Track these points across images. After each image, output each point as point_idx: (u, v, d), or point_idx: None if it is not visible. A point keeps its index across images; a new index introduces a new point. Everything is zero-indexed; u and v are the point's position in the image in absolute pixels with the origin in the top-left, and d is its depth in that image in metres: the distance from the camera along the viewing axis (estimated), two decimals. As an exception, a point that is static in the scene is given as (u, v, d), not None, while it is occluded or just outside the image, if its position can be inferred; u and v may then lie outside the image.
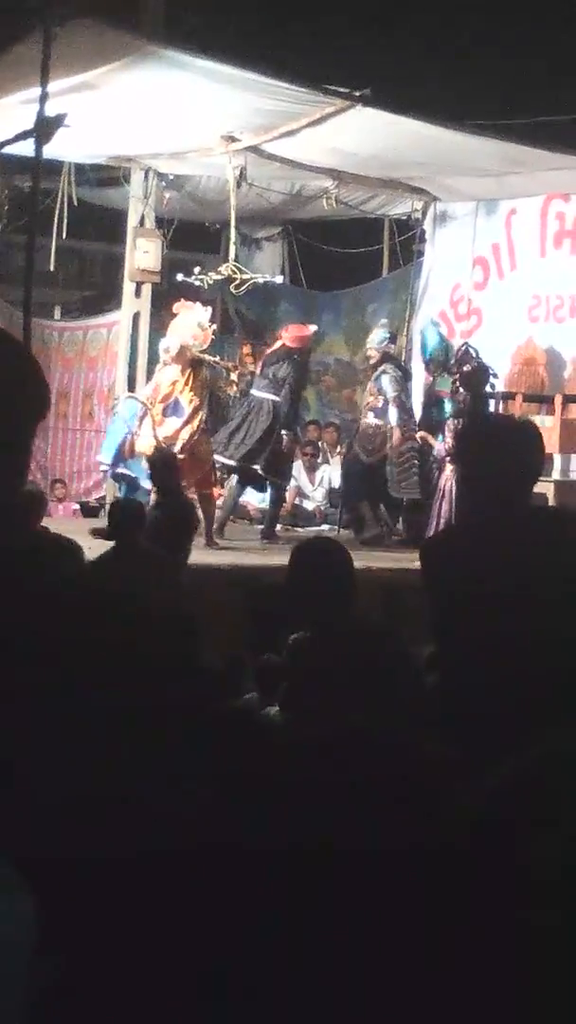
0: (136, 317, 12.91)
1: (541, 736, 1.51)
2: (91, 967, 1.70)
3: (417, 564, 10.23)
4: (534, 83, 12.26)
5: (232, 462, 10.67)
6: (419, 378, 12.36)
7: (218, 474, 11.13)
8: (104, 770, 1.80)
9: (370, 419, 11.33)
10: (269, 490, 11.12)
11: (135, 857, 1.79)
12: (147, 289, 12.85)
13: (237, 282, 11.46)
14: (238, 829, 1.81)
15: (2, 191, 13.82)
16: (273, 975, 1.68)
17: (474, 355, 10.95)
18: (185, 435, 9.98)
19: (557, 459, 11.31)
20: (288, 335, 11.12)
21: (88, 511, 13.04)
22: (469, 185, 12.26)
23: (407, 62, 12.82)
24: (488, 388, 10.35)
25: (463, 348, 11.13)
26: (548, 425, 11.46)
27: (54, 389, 12.88)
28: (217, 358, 10.75)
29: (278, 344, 11.08)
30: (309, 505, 13.06)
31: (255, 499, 11.89)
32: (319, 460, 13.43)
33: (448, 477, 10.03)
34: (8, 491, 1.85)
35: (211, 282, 11.47)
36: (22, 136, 8.59)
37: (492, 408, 10.80)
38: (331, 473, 13.04)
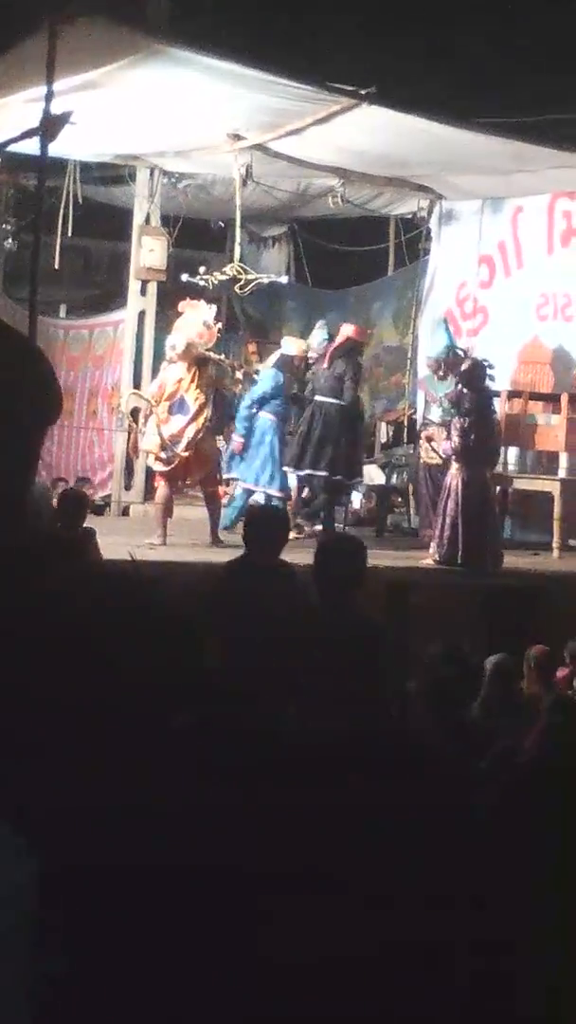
0: (142, 315, 12.91)
1: None
2: (96, 965, 1.69)
3: (425, 562, 10.21)
4: (540, 80, 12.23)
5: (321, 472, 10.90)
6: (423, 374, 12.36)
7: (221, 474, 11.13)
8: (104, 776, 1.79)
9: None
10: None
11: (138, 859, 1.78)
12: (152, 287, 12.86)
13: (242, 282, 11.45)
14: (240, 832, 1.80)
15: (8, 189, 13.84)
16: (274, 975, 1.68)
17: (463, 355, 11.00)
18: (190, 433, 9.97)
19: (563, 458, 11.29)
20: (349, 330, 11.39)
21: (93, 510, 13.01)
22: (475, 183, 12.23)
23: (413, 60, 12.80)
24: (488, 381, 10.34)
25: (452, 353, 11.23)
26: (555, 424, 11.45)
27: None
28: (222, 356, 10.73)
29: (341, 339, 11.25)
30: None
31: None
32: None
33: (454, 476, 10.01)
34: (19, 489, 1.84)
35: (216, 283, 11.47)
36: (28, 134, 8.58)
37: (496, 404, 10.80)
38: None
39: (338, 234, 14.79)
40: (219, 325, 10.86)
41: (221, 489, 10.92)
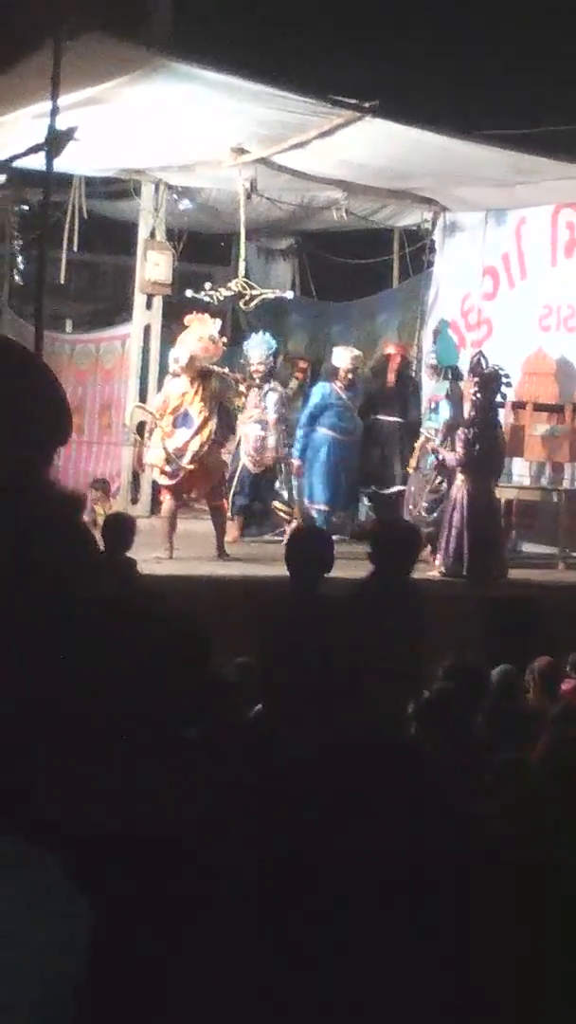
0: (147, 329, 12.94)
1: None
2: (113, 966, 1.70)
3: (431, 574, 10.22)
4: (543, 93, 12.27)
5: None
6: (428, 383, 12.37)
7: (226, 487, 11.13)
8: (109, 775, 1.80)
9: (256, 430, 11.46)
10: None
11: (142, 861, 1.79)
12: (158, 301, 12.88)
13: (247, 298, 11.47)
14: (242, 836, 1.81)
15: (14, 204, 13.89)
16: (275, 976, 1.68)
17: (485, 365, 10.97)
18: (195, 446, 9.98)
19: (568, 468, 11.30)
20: (395, 347, 12.30)
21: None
22: (478, 195, 12.26)
23: (415, 73, 12.83)
24: (500, 396, 10.32)
25: (476, 357, 11.16)
26: (558, 435, 11.45)
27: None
28: (226, 370, 10.75)
29: (398, 358, 12.03)
30: None
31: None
32: None
33: (460, 487, 10.02)
34: (26, 506, 1.86)
35: (220, 299, 11.50)
36: (33, 150, 8.63)
37: (501, 416, 10.80)
38: None
39: (343, 247, 14.81)
40: (224, 339, 10.89)
41: (225, 503, 10.87)
